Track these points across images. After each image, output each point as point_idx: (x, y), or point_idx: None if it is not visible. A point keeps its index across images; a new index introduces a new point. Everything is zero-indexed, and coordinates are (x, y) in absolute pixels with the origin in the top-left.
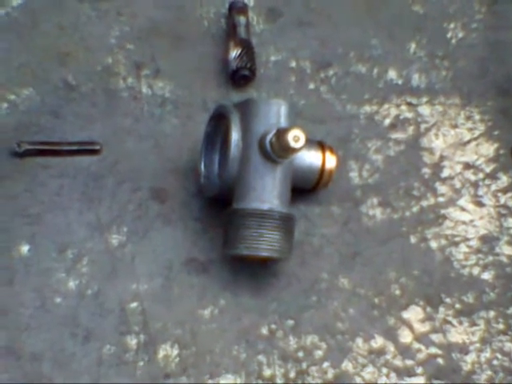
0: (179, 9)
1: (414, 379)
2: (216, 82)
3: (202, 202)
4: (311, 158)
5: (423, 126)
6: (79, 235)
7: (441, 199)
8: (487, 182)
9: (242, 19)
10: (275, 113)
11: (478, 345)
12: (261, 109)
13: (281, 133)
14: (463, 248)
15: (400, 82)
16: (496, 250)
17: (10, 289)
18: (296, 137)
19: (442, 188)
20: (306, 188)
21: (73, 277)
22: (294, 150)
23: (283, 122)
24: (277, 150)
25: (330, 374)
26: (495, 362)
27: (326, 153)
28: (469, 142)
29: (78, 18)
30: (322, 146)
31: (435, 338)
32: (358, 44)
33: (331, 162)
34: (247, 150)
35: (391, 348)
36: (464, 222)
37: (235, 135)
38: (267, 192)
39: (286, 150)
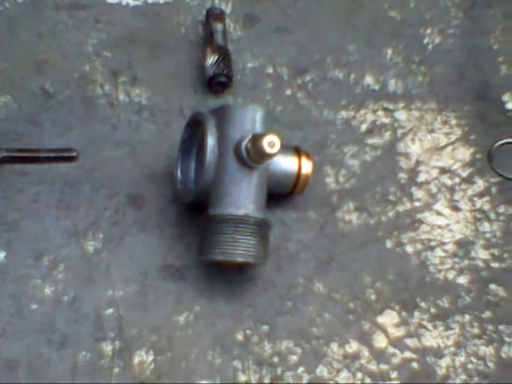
0: (156, 16)
1: None
2: (193, 89)
3: (178, 208)
4: (287, 163)
5: (400, 132)
6: (56, 242)
7: (417, 204)
8: (463, 186)
9: (219, 26)
10: (251, 119)
11: (452, 349)
12: (236, 115)
13: (256, 138)
14: (439, 252)
15: (377, 87)
16: (472, 255)
17: None
18: (271, 142)
19: (418, 193)
20: (282, 193)
21: (49, 283)
22: (270, 156)
23: (259, 128)
24: (252, 156)
25: (305, 379)
26: (470, 366)
27: (301, 158)
28: (445, 146)
29: (55, 25)
30: (298, 151)
31: (410, 342)
32: (335, 50)
33: (307, 167)
34: (223, 155)
35: (366, 353)
36: (440, 227)
37: (211, 141)
38: (243, 197)
39: (262, 156)
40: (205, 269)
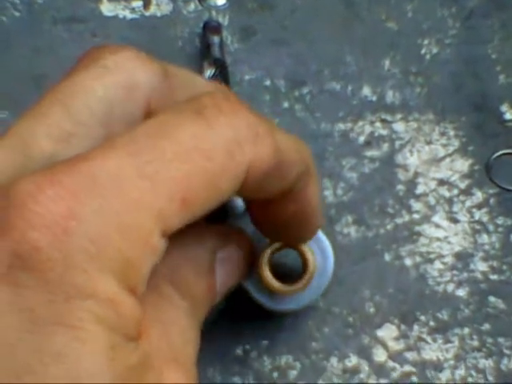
0: (153, 29)
1: None
2: None
3: None
4: None
5: (398, 143)
6: None
7: (415, 216)
8: (462, 198)
9: (215, 39)
10: None
11: (452, 362)
12: None
13: None
14: (438, 265)
15: (374, 98)
16: (471, 267)
17: None
18: None
19: (416, 205)
20: None
21: None
22: None
23: None
24: None
25: None
26: (470, 380)
27: None
28: (443, 158)
29: (52, 39)
30: None
31: (409, 355)
32: (332, 61)
33: None
34: None
35: (365, 367)
36: (438, 239)
37: None
38: None
39: None
40: None
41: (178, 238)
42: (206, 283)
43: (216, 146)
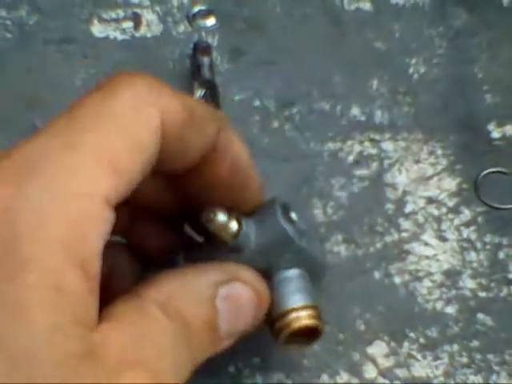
0: (144, 50)
1: None
2: None
3: None
4: None
5: (386, 162)
6: None
7: (404, 234)
8: (450, 216)
9: (205, 59)
10: None
11: (441, 378)
12: None
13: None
14: (427, 283)
15: (363, 118)
16: (459, 284)
17: None
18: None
19: (405, 223)
20: None
21: None
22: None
23: None
24: None
25: None
26: None
27: None
28: (431, 176)
29: (44, 60)
30: None
31: (399, 372)
32: (321, 81)
33: None
34: None
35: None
36: (427, 257)
37: None
38: None
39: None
40: None
41: (179, 271)
42: (203, 315)
43: (122, 106)
